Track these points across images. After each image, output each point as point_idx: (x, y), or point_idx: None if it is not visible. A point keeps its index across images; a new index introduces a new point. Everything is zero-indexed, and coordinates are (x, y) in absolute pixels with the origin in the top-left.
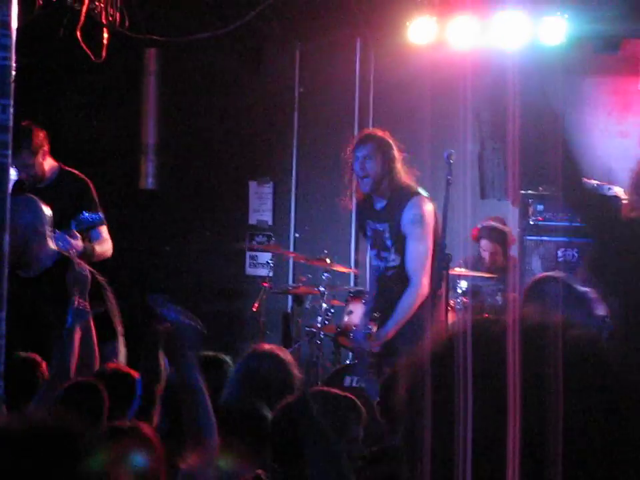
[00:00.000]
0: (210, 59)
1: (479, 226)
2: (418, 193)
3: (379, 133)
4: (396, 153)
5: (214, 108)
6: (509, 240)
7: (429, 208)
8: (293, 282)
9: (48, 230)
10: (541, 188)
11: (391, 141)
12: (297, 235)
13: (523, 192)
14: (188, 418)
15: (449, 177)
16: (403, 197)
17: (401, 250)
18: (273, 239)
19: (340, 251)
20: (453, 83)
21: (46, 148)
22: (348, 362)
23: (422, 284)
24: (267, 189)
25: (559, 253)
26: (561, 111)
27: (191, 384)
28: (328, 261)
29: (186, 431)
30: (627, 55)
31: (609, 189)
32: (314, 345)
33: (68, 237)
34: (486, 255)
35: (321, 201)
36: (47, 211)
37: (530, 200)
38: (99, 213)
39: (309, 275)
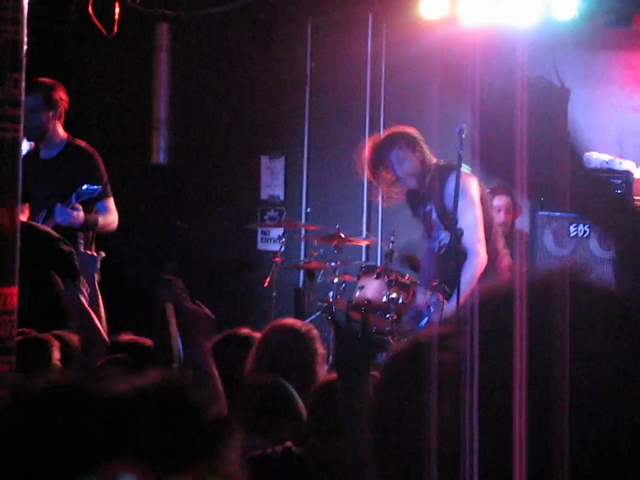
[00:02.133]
0: (221, 34)
1: (487, 190)
2: (454, 169)
3: (401, 130)
4: (421, 140)
5: (225, 83)
6: (518, 203)
7: (471, 180)
8: (305, 257)
9: None
10: None
11: (413, 131)
12: (308, 210)
13: None
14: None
15: (460, 152)
16: (442, 173)
17: (449, 226)
18: (285, 213)
19: (352, 226)
20: (464, 59)
21: (60, 110)
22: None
23: (480, 253)
24: (279, 163)
25: (571, 228)
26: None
27: (201, 373)
28: (342, 235)
29: None
30: (639, 30)
31: (620, 163)
32: (325, 320)
33: (69, 210)
34: (501, 216)
35: (333, 175)
36: None
37: None
38: (100, 185)
39: (321, 250)
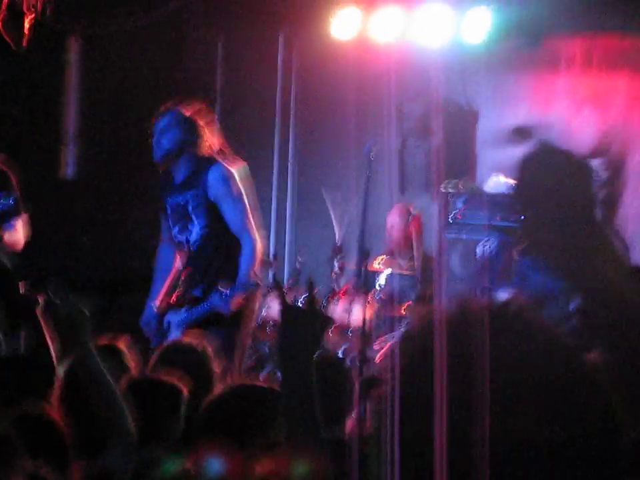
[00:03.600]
0: (132, 50)
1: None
2: (217, 160)
3: (183, 105)
4: (199, 126)
5: (136, 98)
6: (409, 216)
7: (233, 170)
8: None
9: None
10: (460, 185)
11: (194, 115)
12: None
13: (443, 189)
14: (97, 409)
15: (368, 173)
16: (203, 165)
17: (211, 218)
18: None
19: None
20: (377, 78)
21: None
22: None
23: (256, 239)
24: None
25: (477, 249)
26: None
27: (94, 373)
28: None
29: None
30: (548, 53)
31: None
32: None
33: None
34: (393, 237)
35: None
36: None
37: (450, 197)
38: (11, 199)
39: None
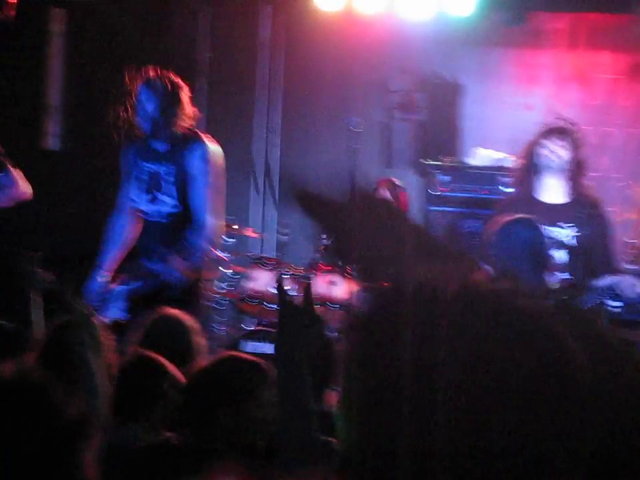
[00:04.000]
0: (117, 20)
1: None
2: (202, 138)
3: (167, 75)
4: (183, 96)
5: (119, 69)
6: (395, 190)
7: (216, 149)
8: None
9: None
10: (445, 159)
11: (178, 84)
12: None
13: (428, 162)
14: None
15: (354, 146)
16: (188, 138)
17: (185, 195)
18: None
19: (242, 216)
20: (362, 51)
21: None
22: (251, 328)
23: (214, 223)
24: None
25: (465, 224)
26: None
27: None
28: (235, 227)
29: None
30: (533, 28)
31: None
32: (213, 311)
33: None
34: None
35: (229, 165)
36: None
37: (435, 171)
38: None
39: None
